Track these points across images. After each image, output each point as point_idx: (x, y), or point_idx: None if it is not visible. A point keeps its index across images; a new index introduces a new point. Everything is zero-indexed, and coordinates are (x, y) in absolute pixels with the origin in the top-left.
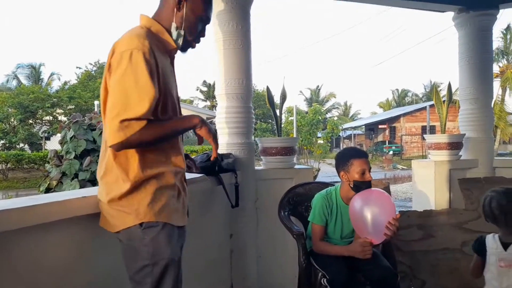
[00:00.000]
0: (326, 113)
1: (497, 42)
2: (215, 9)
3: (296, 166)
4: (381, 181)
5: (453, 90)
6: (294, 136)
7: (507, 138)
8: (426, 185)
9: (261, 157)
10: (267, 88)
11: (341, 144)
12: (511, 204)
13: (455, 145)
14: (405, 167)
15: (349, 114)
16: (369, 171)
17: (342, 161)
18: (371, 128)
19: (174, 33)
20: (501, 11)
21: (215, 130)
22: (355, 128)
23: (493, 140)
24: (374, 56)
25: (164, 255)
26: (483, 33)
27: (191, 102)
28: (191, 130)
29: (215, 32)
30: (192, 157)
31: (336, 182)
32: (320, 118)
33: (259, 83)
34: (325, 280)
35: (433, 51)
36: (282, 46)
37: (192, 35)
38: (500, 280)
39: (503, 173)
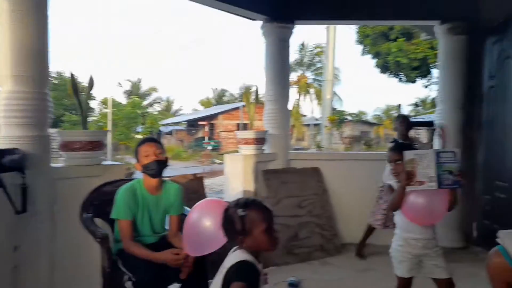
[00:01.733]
0: (147, 108)
1: (296, 54)
2: None
3: (105, 162)
4: (196, 175)
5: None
6: (109, 129)
7: (301, 135)
8: (236, 176)
9: (62, 152)
10: (71, 74)
11: (161, 140)
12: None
13: (260, 141)
14: (222, 162)
15: (172, 109)
16: (161, 154)
17: (134, 154)
18: (192, 124)
19: None
20: (299, 27)
21: None
22: (176, 123)
23: (289, 136)
24: (195, 53)
25: None
26: (282, 43)
27: None
28: None
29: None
30: None
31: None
32: (139, 112)
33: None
34: (130, 283)
35: (252, 54)
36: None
37: None
38: None
39: (296, 165)
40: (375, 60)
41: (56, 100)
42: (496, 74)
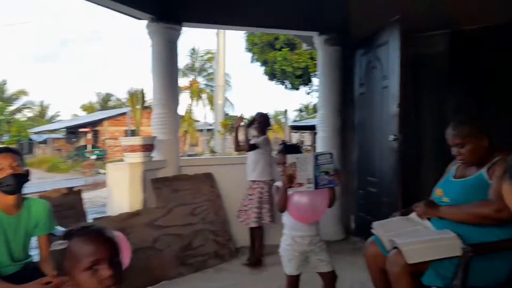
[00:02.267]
0: (15, 113)
1: (187, 59)
2: None
3: None
4: (72, 188)
5: None
6: None
7: (195, 141)
8: (121, 187)
9: None
10: None
11: (33, 150)
12: None
13: (148, 147)
14: None
15: (47, 115)
16: (19, 166)
17: None
18: (73, 132)
19: None
20: (190, 31)
21: None
22: (52, 131)
23: (178, 142)
24: (79, 51)
25: None
26: (170, 44)
27: None
28: None
29: None
30: None
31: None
32: (1, 118)
33: None
34: None
35: (139, 56)
36: None
37: None
38: None
39: (187, 171)
40: (263, 68)
41: None
42: (364, 82)
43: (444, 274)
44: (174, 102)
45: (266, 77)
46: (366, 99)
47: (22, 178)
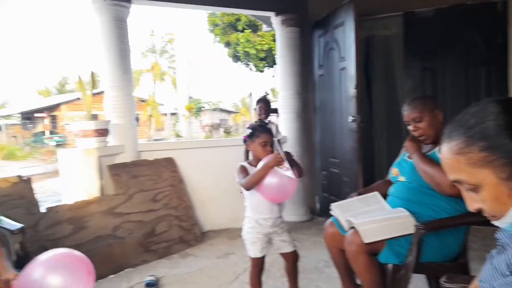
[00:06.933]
0: None
1: (148, 40)
2: None
3: None
4: (21, 176)
5: None
6: None
7: (160, 126)
8: (75, 175)
9: None
10: None
11: None
12: None
13: (102, 132)
14: None
15: None
16: None
17: None
18: (28, 117)
19: None
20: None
21: None
22: (6, 117)
23: (136, 126)
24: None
25: None
26: (119, 23)
27: None
28: None
29: None
30: None
31: None
32: None
33: None
34: None
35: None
36: None
37: None
38: None
39: (147, 156)
40: (226, 50)
41: None
42: (323, 63)
43: (399, 252)
44: (128, 84)
45: (230, 60)
46: (325, 81)
47: None
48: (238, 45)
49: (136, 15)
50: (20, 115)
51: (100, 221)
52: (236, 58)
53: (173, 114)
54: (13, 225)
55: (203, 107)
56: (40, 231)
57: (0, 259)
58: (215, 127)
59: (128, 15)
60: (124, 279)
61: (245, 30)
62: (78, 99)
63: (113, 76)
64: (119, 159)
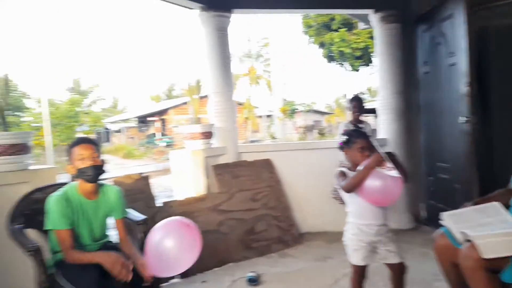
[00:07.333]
0: (90, 105)
1: (244, 46)
2: None
3: (33, 167)
4: (141, 174)
5: None
6: (48, 131)
7: (256, 128)
8: (185, 174)
9: None
10: None
11: (110, 138)
12: None
13: (206, 135)
14: None
15: (119, 106)
16: (98, 157)
17: (66, 154)
18: (143, 121)
19: None
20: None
21: None
22: (125, 121)
23: (236, 129)
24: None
25: None
26: (221, 32)
27: None
28: None
29: None
30: None
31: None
32: (79, 110)
33: None
34: None
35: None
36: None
37: None
38: None
39: (246, 157)
40: (321, 50)
41: None
42: (428, 60)
43: None
44: (229, 89)
45: (325, 60)
46: (431, 79)
47: (100, 168)
48: (332, 45)
49: (235, 23)
50: (136, 118)
51: (207, 217)
52: (330, 58)
53: (268, 116)
54: (138, 216)
55: (297, 109)
56: (157, 223)
57: (131, 247)
58: (309, 128)
59: (228, 24)
60: (227, 272)
61: (339, 29)
62: (184, 103)
63: (215, 82)
64: (221, 160)
